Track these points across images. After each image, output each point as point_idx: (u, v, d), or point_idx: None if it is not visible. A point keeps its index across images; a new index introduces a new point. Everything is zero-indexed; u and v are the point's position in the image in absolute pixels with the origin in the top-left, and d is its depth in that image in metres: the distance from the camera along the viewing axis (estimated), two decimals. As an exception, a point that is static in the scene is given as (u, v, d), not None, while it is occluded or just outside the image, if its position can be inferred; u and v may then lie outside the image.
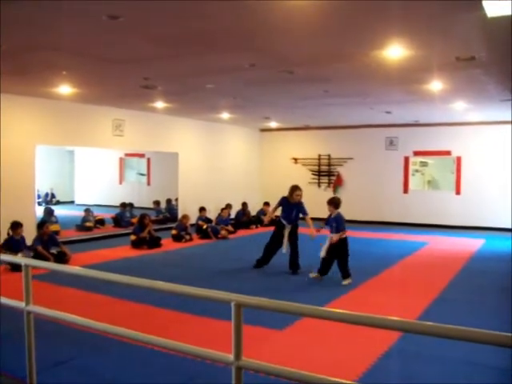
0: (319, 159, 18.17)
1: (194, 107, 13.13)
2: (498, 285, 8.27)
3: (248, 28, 5.87)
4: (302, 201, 9.28)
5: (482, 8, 4.69)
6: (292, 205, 9.19)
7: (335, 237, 8.04)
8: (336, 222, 8.08)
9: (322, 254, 8.17)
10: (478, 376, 4.58)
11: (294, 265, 9.07)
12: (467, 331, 2.23)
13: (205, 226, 13.53)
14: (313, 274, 8.39)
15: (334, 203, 8.28)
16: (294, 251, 9.18)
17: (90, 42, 6.53)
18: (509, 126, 14.99)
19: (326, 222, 8.36)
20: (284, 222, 9.26)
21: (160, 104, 12.39)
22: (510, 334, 2.09)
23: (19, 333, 3.85)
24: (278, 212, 9.64)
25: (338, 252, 8.10)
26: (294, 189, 9.27)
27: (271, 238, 9.48)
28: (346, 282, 8.06)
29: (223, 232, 13.65)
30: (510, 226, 14.94)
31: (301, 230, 9.31)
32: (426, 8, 5.05)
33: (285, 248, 9.12)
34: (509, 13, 4.85)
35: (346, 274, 8.11)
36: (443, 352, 4.97)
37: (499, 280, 8.63)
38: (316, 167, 18.23)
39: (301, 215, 9.24)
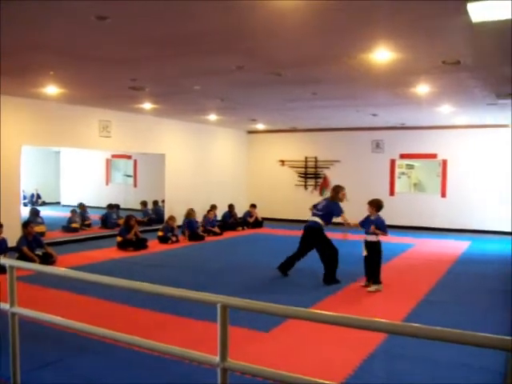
0: (306, 161, 18.21)
1: (181, 109, 13.11)
2: (484, 287, 8.33)
3: (236, 30, 5.88)
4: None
5: (467, 13, 4.73)
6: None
7: (378, 233, 7.87)
8: (376, 224, 7.89)
9: (364, 252, 8.01)
10: (464, 377, 4.61)
11: (325, 276, 8.47)
12: (457, 333, 2.24)
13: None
14: (371, 288, 7.94)
15: (377, 205, 8.05)
16: (323, 260, 8.59)
17: (77, 43, 6.50)
18: (495, 129, 15.15)
19: (363, 223, 8.15)
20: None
21: (147, 105, 12.36)
22: (502, 337, 2.10)
23: (4, 334, 3.82)
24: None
25: (375, 254, 7.95)
26: (340, 189, 8.80)
27: (329, 243, 8.66)
28: (373, 289, 7.88)
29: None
30: (495, 229, 15.09)
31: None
32: (413, 12, 5.09)
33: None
34: (493, 18, 4.90)
35: (377, 279, 7.96)
36: (428, 353, 5.00)
37: (485, 282, 8.70)
38: (303, 169, 18.27)
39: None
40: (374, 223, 7.92)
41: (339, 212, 8.65)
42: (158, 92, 10.47)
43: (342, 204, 8.72)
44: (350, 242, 8.86)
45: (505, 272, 9.48)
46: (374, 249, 7.96)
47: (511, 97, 9.82)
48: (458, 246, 12.74)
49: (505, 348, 2.13)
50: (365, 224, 8.09)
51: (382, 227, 7.96)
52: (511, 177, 14.63)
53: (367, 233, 7.99)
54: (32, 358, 4.66)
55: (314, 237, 8.65)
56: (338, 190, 8.81)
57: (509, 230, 14.70)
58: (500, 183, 15.13)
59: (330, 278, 8.39)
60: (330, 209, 8.63)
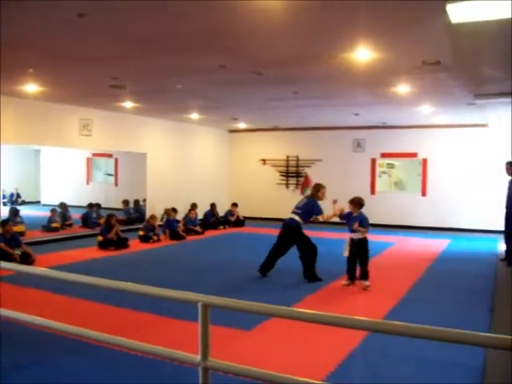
0: (287, 160, 18.25)
1: (163, 107, 13.07)
2: (463, 285, 8.42)
3: (218, 29, 5.87)
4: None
5: (446, 14, 4.78)
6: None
7: (361, 231, 7.95)
8: (359, 221, 7.96)
9: (346, 253, 8.06)
10: (444, 374, 4.66)
11: (305, 273, 8.56)
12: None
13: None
14: (345, 282, 8.16)
15: (359, 203, 8.11)
16: (302, 258, 8.64)
17: (57, 40, 6.44)
18: (474, 129, 15.31)
19: (344, 218, 8.23)
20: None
21: (129, 104, 12.30)
22: (503, 336, 2.12)
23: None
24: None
25: (362, 251, 8.01)
26: (321, 187, 8.85)
27: (307, 241, 8.66)
28: (367, 284, 7.95)
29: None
30: (474, 227, 15.25)
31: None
32: (393, 12, 5.13)
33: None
34: (472, 19, 4.96)
35: (366, 274, 8.01)
36: (409, 351, 5.05)
37: (464, 280, 8.78)
38: (284, 168, 18.31)
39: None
40: (357, 220, 7.97)
41: (319, 211, 8.68)
42: (139, 90, 10.43)
43: (323, 202, 8.75)
44: (329, 241, 8.89)
45: (483, 270, 9.60)
46: (361, 246, 8.01)
47: (489, 97, 9.94)
48: (438, 245, 12.86)
49: (505, 347, 2.14)
50: (347, 220, 8.14)
51: (365, 224, 8.03)
52: (490, 176, 14.81)
53: (352, 231, 8.03)
54: (10, 359, 4.62)
55: (291, 235, 8.68)
56: (318, 188, 8.86)
57: (487, 228, 14.86)
58: (479, 182, 15.30)
59: (311, 274, 8.43)
60: (310, 207, 8.66)
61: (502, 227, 10.83)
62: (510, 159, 10.88)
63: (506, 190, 10.61)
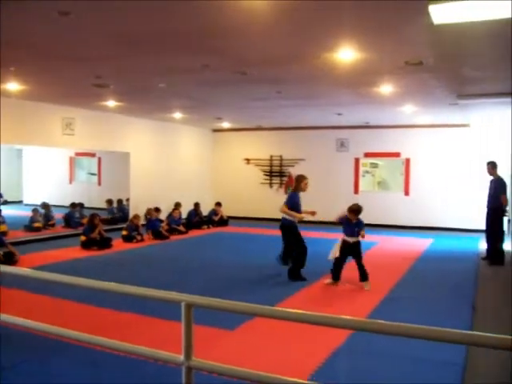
0: (271, 160, 18.28)
1: (146, 107, 13.03)
2: (446, 283, 8.49)
3: (201, 29, 5.87)
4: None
5: (428, 15, 4.81)
6: (299, 197, 8.78)
7: (362, 235, 8.08)
8: (358, 227, 8.05)
9: (334, 255, 8.07)
10: (427, 371, 4.69)
11: (290, 271, 8.58)
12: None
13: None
14: (328, 281, 8.19)
15: (358, 211, 8.09)
16: (292, 256, 8.72)
17: (39, 38, 6.38)
18: (456, 129, 15.45)
19: (342, 223, 8.19)
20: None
21: (112, 103, 12.24)
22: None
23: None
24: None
25: (358, 253, 8.10)
26: (303, 178, 8.77)
27: (299, 240, 8.63)
28: (368, 286, 7.96)
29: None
30: (456, 226, 15.39)
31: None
32: (377, 13, 5.16)
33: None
34: (454, 20, 5.00)
35: (367, 276, 8.04)
36: (392, 349, 5.08)
37: (446, 278, 8.86)
38: (268, 168, 18.32)
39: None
40: (358, 226, 8.05)
41: (290, 204, 8.56)
42: (122, 90, 10.38)
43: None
44: (316, 241, 8.90)
45: (465, 269, 9.69)
46: (357, 248, 8.10)
47: (472, 97, 10.04)
48: (421, 244, 12.95)
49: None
50: (345, 225, 8.14)
51: (363, 227, 8.15)
52: (472, 175, 14.96)
53: (350, 235, 8.07)
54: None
55: (285, 231, 8.67)
56: (300, 179, 8.79)
57: (469, 227, 15.00)
58: (461, 182, 15.44)
59: (295, 274, 8.45)
60: (289, 201, 8.66)
61: (483, 226, 10.95)
62: (491, 159, 11.00)
63: (487, 189, 10.74)
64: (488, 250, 10.65)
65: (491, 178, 10.68)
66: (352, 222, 8.07)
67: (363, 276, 8.03)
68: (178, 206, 15.07)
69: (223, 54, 7.15)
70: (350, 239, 8.05)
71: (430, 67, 7.57)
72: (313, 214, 8.57)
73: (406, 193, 16.46)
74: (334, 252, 8.10)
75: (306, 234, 8.69)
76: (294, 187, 8.88)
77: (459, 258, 11.00)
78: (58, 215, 14.35)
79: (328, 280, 8.22)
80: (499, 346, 2.17)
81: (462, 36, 5.87)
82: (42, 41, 6.50)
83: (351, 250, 8.08)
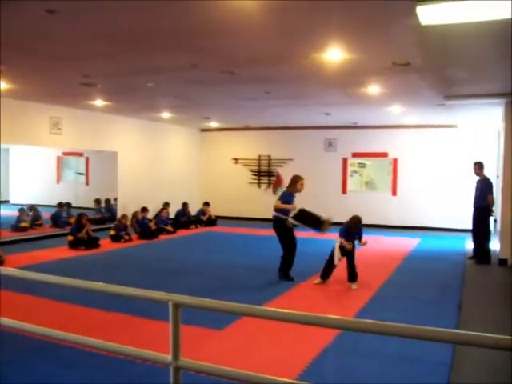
0: (259, 160, 18.28)
1: (134, 106, 12.98)
2: (433, 282, 8.54)
3: (189, 28, 5.86)
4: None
5: (416, 16, 4.84)
6: (295, 197, 8.68)
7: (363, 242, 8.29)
8: (358, 235, 8.21)
9: (338, 259, 8.10)
10: (413, 370, 4.72)
11: (279, 270, 8.57)
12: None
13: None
14: (317, 281, 8.23)
15: (358, 222, 8.24)
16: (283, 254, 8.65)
17: (26, 36, 6.33)
18: (443, 129, 15.54)
19: (347, 234, 8.19)
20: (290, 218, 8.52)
21: (100, 102, 12.18)
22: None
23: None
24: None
25: (351, 256, 8.17)
26: (298, 178, 8.64)
27: (290, 241, 8.57)
28: (356, 286, 8.00)
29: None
30: (443, 226, 15.47)
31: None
32: (364, 13, 5.18)
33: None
34: (441, 22, 5.03)
35: (356, 277, 8.08)
36: (380, 348, 5.10)
37: (433, 278, 8.91)
38: (256, 167, 18.33)
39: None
40: (358, 235, 8.21)
41: (286, 201, 8.51)
42: (110, 89, 10.34)
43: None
44: (302, 240, 8.89)
45: (452, 268, 9.76)
46: (351, 252, 8.17)
47: (459, 98, 10.10)
48: (408, 243, 13.01)
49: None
50: (346, 234, 8.16)
51: (362, 235, 8.32)
52: (458, 176, 15.06)
53: (347, 240, 8.10)
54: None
55: (276, 229, 8.61)
56: (296, 179, 8.63)
57: (456, 227, 15.09)
58: (448, 182, 15.54)
59: (283, 273, 8.45)
60: (281, 197, 8.64)
61: (470, 226, 11.02)
62: (478, 160, 11.07)
63: (474, 189, 10.81)
64: (474, 249, 10.73)
65: (478, 178, 10.76)
66: (352, 231, 8.16)
67: (352, 276, 8.06)
68: (166, 205, 15.05)
69: (211, 54, 7.14)
70: (347, 245, 8.09)
71: (418, 68, 7.60)
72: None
73: (394, 193, 16.53)
74: (338, 257, 8.13)
75: (295, 233, 8.68)
76: (289, 187, 8.73)
77: (446, 257, 11.07)
78: (45, 215, 14.26)
79: (317, 280, 8.24)
80: (498, 346, 2.16)
81: (449, 37, 5.90)
82: (29, 39, 6.46)
83: (346, 253, 8.12)
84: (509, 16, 4.82)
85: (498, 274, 9.59)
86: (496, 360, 4.85)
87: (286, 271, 8.47)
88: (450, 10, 4.70)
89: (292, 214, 8.42)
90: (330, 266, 8.19)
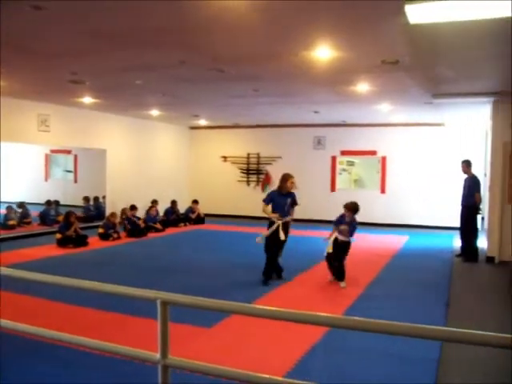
0: (248, 158, 18.28)
1: (123, 103, 12.94)
2: (421, 280, 8.58)
3: (178, 25, 5.84)
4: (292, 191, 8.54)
5: (405, 14, 4.86)
6: (284, 196, 8.38)
7: (343, 234, 8.05)
8: (351, 226, 8.07)
9: (328, 249, 8.11)
10: (400, 367, 4.75)
11: (277, 268, 8.42)
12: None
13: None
14: (330, 279, 8.20)
15: (353, 209, 8.15)
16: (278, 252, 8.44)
17: (13, 33, 6.27)
18: (431, 127, 15.61)
19: (337, 222, 8.21)
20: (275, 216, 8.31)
21: (88, 99, 12.13)
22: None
23: None
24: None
25: (342, 252, 8.11)
26: (288, 176, 8.44)
27: (267, 241, 8.33)
28: (344, 284, 7.97)
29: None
30: (431, 224, 15.56)
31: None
32: (353, 11, 5.19)
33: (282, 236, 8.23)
34: (429, 20, 5.05)
35: (342, 275, 8.07)
36: (368, 345, 5.12)
37: (422, 275, 8.95)
38: (245, 165, 18.32)
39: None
40: (347, 224, 8.05)
41: (267, 200, 8.41)
42: (98, 86, 10.30)
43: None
44: (291, 238, 8.88)
45: (440, 266, 9.81)
46: (343, 248, 8.11)
47: (447, 97, 10.15)
48: (397, 241, 13.07)
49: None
50: (338, 221, 8.17)
51: (353, 230, 8.12)
52: (446, 174, 15.14)
53: (339, 231, 8.10)
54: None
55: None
56: (286, 178, 8.46)
57: (444, 225, 15.18)
58: (436, 180, 15.62)
59: (264, 271, 8.31)
60: (265, 198, 8.56)
61: (457, 224, 11.08)
62: (465, 158, 11.14)
63: (461, 187, 10.87)
64: (462, 247, 10.79)
65: (465, 176, 10.82)
66: (346, 221, 8.09)
67: (339, 275, 8.08)
68: (154, 203, 15.02)
69: (200, 51, 7.13)
70: (340, 237, 8.08)
71: (406, 66, 7.63)
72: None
73: (382, 191, 16.59)
74: (329, 247, 8.14)
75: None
76: (279, 186, 8.54)
77: (434, 255, 11.12)
78: (33, 213, 14.19)
79: (329, 277, 8.24)
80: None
81: (437, 36, 5.93)
82: (16, 36, 6.41)
83: (339, 249, 8.09)
84: (496, 15, 4.86)
85: (486, 271, 9.65)
86: (483, 357, 4.89)
87: (265, 270, 8.32)
88: (439, 9, 4.73)
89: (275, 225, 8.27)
90: (330, 262, 8.18)
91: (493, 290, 8.16)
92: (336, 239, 8.11)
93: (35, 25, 5.89)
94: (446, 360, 4.87)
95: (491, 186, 10.47)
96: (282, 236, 8.17)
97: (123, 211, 13.78)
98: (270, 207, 8.37)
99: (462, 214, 10.78)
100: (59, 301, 6.69)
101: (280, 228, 8.17)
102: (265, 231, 8.26)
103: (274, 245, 8.23)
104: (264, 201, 8.43)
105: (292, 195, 8.48)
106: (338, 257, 8.12)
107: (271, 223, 8.30)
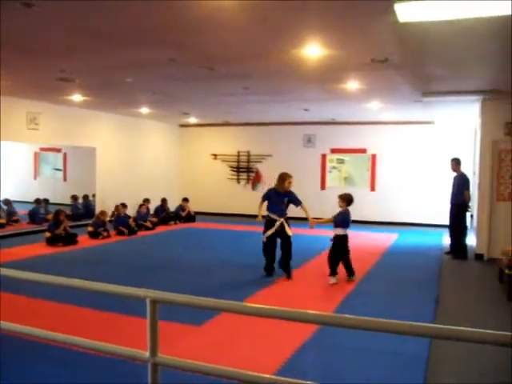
0: (238, 155, 18.27)
1: (112, 101, 12.89)
2: (410, 277, 8.62)
3: (169, 23, 5.83)
4: (291, 190, 8.64)
5: (394, 13, 4.87)
6: (282, 195, 8.48)
7: (337, 231, 8.10)
8: (341, 218, 8.09)
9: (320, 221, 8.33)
10: (391, 363, 4.77)
11: (287, 268, 8.41)
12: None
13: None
14: (331, 280, 8.03)
15: (345, 199, 8.22)
16: (286, 253, 8.46)
17: (2, 30, 6.23)
18: (421, 126, 15.67)
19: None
20: (274, 216, 8.40)
21: (78, 97, 12.07)
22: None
23: None
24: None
25: (334, 248, 8.10)
26: (286, 176, 8.54)
27: (264, 239, 8.49)
28: (334, 280, 7.99)
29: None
30: (421, 221, 15.62)
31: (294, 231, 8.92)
32: (343, 9, 5.20)
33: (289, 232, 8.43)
34: (419, 19, 5.07)
35: (351, 271, 8.14)
36: (357, 343, 5.14)
37: (411, 272, 8.99)
38: (235, 163, 18.32)
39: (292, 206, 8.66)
40: (339, 215, 8.18)
41: (263, 198, 8.58)
42: (88, 84, 10.26)
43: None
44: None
45: (429, 263, 9.86)
46: (335, 243, 8.14)
47: (436, 95, 10.19)
48: (386, 239, 13.11)
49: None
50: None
51: (338, 222, 8.20)
52: (436, 172, 15.22)
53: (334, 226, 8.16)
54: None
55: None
56: (284, 177, 8.54)
57: (433, 222, 15.24)
58: (425, 178, 15.68)
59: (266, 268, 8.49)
60: (263, 195, 8.64)
61: (447, 222, 11.14)
62: (455, 156, 11.19)
63: (451, 185, 10.92)
64: (451, 244, 10.85)
65: (455, 174, 10.88)
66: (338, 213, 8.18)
67: (331, 270, 8.10)
68: (145, 201, 14.99)
69: (190, 49, 7.12)
70: (334, 231, 8.16)
71: (396, 64, 7.65)
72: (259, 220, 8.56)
73: (372, 188, 16.64)
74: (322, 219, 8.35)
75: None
76: (276, 185, 8.62)
77: (424, 252, 11.17)
78: (22, 211, 14.10)
79: (331, 279, 8.09)
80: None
81: (426, 34, 5.95)
82: (5, 33, 6.36)
83: (333, 244, 8.12)
84: (485, 15, 4.89)
85: (475, 268, 9.71)
86: (471, 353, 4.92)
87: (266, 266, 8.50)
88: (428, 8, 4.75)
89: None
90: (331, 260, 8.14)
91: (482, 287, 8.21)
92: (335, 236, 8.12)
93: (25, 22, 5.86)
94: (435, 355, 4.90)
95: (480, 184, 10.52)
96: (288, 232, 8.37)
97: (117, 208, 13.73)
98: (263, 205, 8.49)
99: (452, 212, 10.83)
100: (48, 300, 6.66)
101: (285, 225, 8.39)
102: (269, 230, 8.37)
103: (272, 242, 8.42)
104: (262, 197, 8.56)
105: (290, 195, 8.58)
106: (341, 254, 8.11)
107: (267, 222, 8.38)
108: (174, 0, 4.96)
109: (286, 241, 8.44)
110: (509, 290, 7.14)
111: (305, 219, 8.51)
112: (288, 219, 8.51)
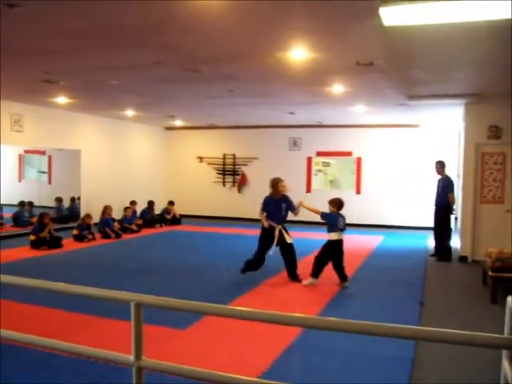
0: (224, 158, 18.26)
1: (97, 104, 12.84)
2: (395, 279, 8.66)
3: (153, 24, 5.82)
4: (286, 194, 8.58)
5: (379, 17, 4.89)
6: (278, 201, 8.45)
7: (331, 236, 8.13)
8: (330, 218, 8.17)
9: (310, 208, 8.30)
10: (376, 366, 4.78)
11: (294, 275, 8.38)
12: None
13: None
14: (307, 281, 8.04)
15: (334, 204, 8.34)
16: (291, 259, 8.43)
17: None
18: (406, 129, 15.76)
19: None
20: (272, 223, 8.37)
21: (62, 99, 11.99)
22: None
23: None
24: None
25: (336, 255, 8.10)
26: (278, 181, 8.50)
27: (260, 241, 8.50)
28: (347, 284, 8.03)
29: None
30: (406, 224, 15.70)
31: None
32: (328, 13, 5.22)
33: (272, 251, 8.44)
34: (404, 23, 5.10)
35: (344, 276, 8.09)
36: (342, 345, 5.15)
37: (396, 275, 9.03)
38: (221, 166, 18.30)
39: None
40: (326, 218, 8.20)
41: (264, 208, 8.51)
42: (73, 86, 10.20)
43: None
44: (256, 238, 8.87)
45: (414, 265, 9.91)
46: (332, 247, 8.14)
47: (421, 99, 10.27)
48: (372, 241, 13.16)
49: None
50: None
51: (328, 223, 8.28)
52: (421, 174, 15.31)
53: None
54: None
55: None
56: (274, 182, 8.54)
57: (418, 225, 15.33)
58: (410, 181, 15.77)
59: (247, 267, 8.48)
60: (262, 204, 8.62)
61: (431, 224, 11.21)
62: (439, 159, 11.27)
63: (435, 188, 11.00)
64: (436, 246, 10.92)
65: (439, 177, 10.95)
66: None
67: (313, 271, 8.10)
68: (132, 204, 14.94)
69: (175, 51, 7.11)
70: (329, 235, 8.20)
71: (381, 68, 7.70)
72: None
73: (358, 191, 16.70)
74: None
75: (258, 232, 8.68)
76: (271, 192, 8.57)
77: (408, 255, 11.23)
78: (6, 214, 13.99)
79: (309, 279, 8.11)
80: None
81: (411, 38, 5.99)
82: (-11, 35, 6.32)
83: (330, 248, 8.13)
84: (470, 19, 4.93)
85: (459, 270, 9.78)
86: (456, 354, 4.95)
87: (248, 268, 8.48)
88: (413, 12, 4.77)
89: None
90: (318, 263, 8.13)
91: (466, 288, 8.26)
92: (330, 240, 8.14)
93: (8, 22, 5.80)
94: (420, 357, 4.92)
95: (464, 187, 10.60)
96: (288, 239, 8.36)
97: (105, 209, 13.64)
98: (263, 214, 8.47)
99: (436, 215, 10.91)
100: (32, 303, 6.61)
101: (283, 232, 8.39)
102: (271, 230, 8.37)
103: (267, 247, 8.41)
104: (261, 207, 8.55)
105: (286, 200, 8.55)
106: (335, 259, 8.11)
107: (267, 229, 8.40)
108: (159, 2, 4.95)
109: (288, 249, 8.42)
110: (492, 291, 7.19)
111: (297, 222, 8.52)
112: (284, 227, 8.49)
